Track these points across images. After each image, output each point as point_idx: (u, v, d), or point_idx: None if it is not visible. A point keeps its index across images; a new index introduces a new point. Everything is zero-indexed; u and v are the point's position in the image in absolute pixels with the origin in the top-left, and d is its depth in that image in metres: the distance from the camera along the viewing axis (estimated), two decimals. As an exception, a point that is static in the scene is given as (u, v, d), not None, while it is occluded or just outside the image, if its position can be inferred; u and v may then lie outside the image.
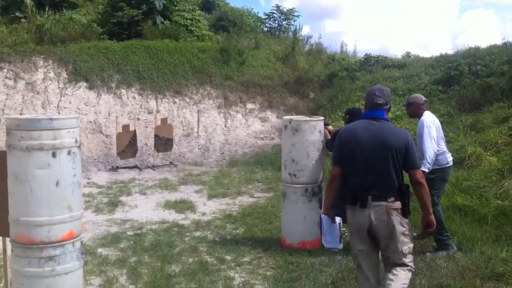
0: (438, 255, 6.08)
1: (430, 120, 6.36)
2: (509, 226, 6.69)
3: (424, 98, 6.62)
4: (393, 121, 12.39)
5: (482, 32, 42.74)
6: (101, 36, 16.80)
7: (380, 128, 4.19)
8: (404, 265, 4.09)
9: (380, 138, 4.13)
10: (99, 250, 6.78)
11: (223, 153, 14.68)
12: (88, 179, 11.65)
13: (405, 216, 4.11)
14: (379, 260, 4.32)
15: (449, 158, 6.49)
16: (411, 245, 4.15)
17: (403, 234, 4.08)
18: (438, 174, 6.29)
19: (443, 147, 6.46)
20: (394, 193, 4.09)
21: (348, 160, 4.22)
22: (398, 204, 4.09)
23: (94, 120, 14.26)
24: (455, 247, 6.25)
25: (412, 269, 4.14)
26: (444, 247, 6.23)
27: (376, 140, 4.13)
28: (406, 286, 4.04)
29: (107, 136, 14.00)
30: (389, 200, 4.07)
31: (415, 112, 6.53)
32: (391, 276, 4.05)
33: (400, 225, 4.07)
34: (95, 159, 13.30)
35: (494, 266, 5.58)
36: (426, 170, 5.89)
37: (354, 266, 5.72)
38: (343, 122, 6.79)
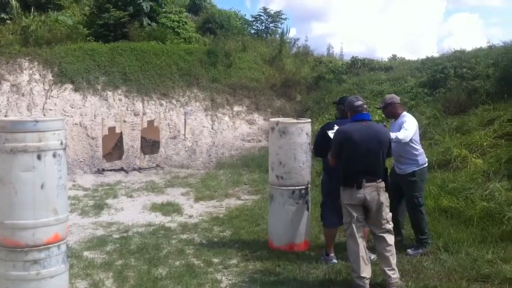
0: (418, 253, 6.20)
1: (412, 118, 6.45)
2: (495, 227, 6.74)
3: (398, 98, 6.71)
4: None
5: (467, 36, 43.18)
6: (87, 38, 16.69)
7: (371, 128, 5.46)
8: (387, 231, 5.40)
9: (374, 136, 5.38)
10: (85, 253, 6.73)
11: (210, 155, 14.65)
12: (74, 181, 11.56)
13: (386, 191, 5.44)
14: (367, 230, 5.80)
15: (425, 158, 6.60)
16: (390, 213, 5.49)
17: (386, 205, 5.43)
18: (418, 176, 6.41)
19: (420, 147, 6.53)
20: (380, 176, 5.40)
21: (346, 154, 5.37)
22: (383, 184, 5.42)
23: (80, 122, 14.16)
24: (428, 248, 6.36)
25: (392, 233, 5.46)
26: (424, 246, 6.34)
27: (370, 138, 5.34)
28: (393, 244, 5.40)
29: (93, 138, 13.91)
30: (377, 181, 5.37)
31: (393, 112, 6.58)
32: (382, 239, 5.37)
33: (385, 199, 5.41)
34: (80, 161, 13.21)
35: (480, 268, 5.62)
36: (393, 138, 5.99)
37: (339, 267, 5.77)
38: (337, 113, 6.75)
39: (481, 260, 5.82)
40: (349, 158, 5.36)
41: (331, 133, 5.90)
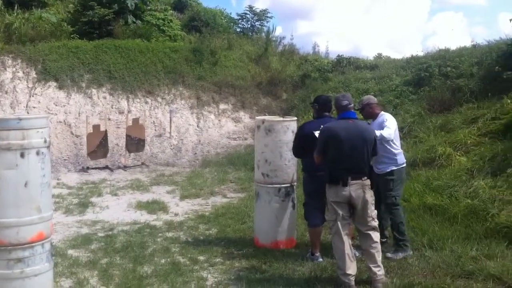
0: (398, 257, 6.09)
1: (391, 117, 6.48)
2: (479, 224, 6.80)
3: (375, 99, 6.74)
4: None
5: (452, 34, 43.50)
6: (71, 35, 16.54)
7: (357, 127, 5.49)
8: (373, 229, 5.45)
9: (359, 135, 5.41)
10: (70, 251, 6.68)
11: (196, 153, 14.62)
12: (58, 180, 11.48)
13: (371, 188, 5.47)
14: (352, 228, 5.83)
15: (404, 158, 6.58)
16: (375, 211, 5.55)
17: (371, 203, 5.45)
18: (396, 175, 6.35)
19: (399, 147, 6.53)
20: (365, 173, 5.43)
21: (332, 151, 5.40)
22: (368, 181, 5.44)
23: (64, 120, 14.04)
24: (411, 251, 6.27)
25: (377, 230, 5.52)
26: (403, 248, 6.23)
27: (356, 136, 5.38)
28: (378, 241, 5.46)
29: (77, 136, 13.81)
30: (363, 179, 5.40)
31: (371, 113, 6.57)
32: (368, 237, 5.41)
33: (371, 196, 5.44)
34: (65, 159, 13.11)
35: (464, 264, 5.67)
36: (378, 136, 5.99)
37: (325, 264, 5.78)
38: (313, 113, 6.76)
39: (465, 257, 5.87)
40: (335, 156, 5.38)
41: (317, 133, 5.91)
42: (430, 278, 5.44)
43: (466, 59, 13.75)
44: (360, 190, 5.36)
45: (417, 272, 5.64)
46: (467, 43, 16.17)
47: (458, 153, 9.29)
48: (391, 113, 7.78)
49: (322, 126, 5.92)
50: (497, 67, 11.82)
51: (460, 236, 6.55)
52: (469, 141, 9.49)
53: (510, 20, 11.51)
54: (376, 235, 5.46)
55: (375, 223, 5.49)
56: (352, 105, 5.69)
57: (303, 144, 6.23)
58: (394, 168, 6.34)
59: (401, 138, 6.67)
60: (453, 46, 15.83)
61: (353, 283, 5.28)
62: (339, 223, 5.38)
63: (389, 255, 6.15)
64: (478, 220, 6.92)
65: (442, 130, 10.76)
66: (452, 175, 8.47)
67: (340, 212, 5.39)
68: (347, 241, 5.39)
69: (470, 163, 8.66)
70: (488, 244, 6.18)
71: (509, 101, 10.05)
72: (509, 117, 9.39)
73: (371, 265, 5.37)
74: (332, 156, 5.42)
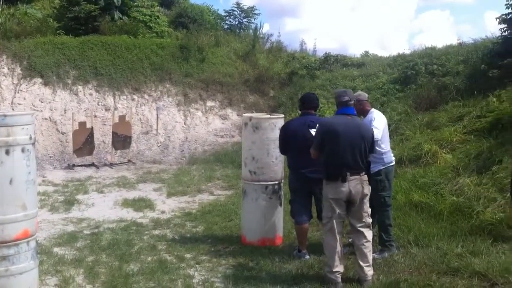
0: (383, 257, 6.08)
1: (380, 114, 6.44)
2: (464, 222, 6.86)
3: (367, 95, 6.71)
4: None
5: (438, 33, 43.79)
6: (57, 31, 16.36)
7: (355, 123, 5.53)
8: (367, 226, 5.46)
9: (357, 131, 5.43)
10: (55, 249, 6.63)
11: (183, 150, 14.58)
12: (44, 177, 11.39)
13: (369, 184, 5.47)
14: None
15: (392, 157, 6.52)
16: (370, 208, 5.57)
17: (368, 199, 5.48)
18: (384, 175, 6.29)
19: (388, 146, 6.51)
20: (363, 169, 5.41)
21: (329, 146, 5.38)
22: (366, 177, 5.44)
23: (50, 117, 13.92)
24: (396, 250, 6.28)
25: (371, 228, 5.56)
26: (388, 249, 6.24)
27: (354, 132, 5.38)
28: (371, 240, 5.50)
29: (63, 133, 13.70)
30: (361, 174, 5.39)
31: (361, 109, 6.47)
32: (362, 234, 5.41)
33: (368, 191, 5.46)
34: (50, 157, 13.01)
35: (450, 261, 5.70)
36: None
37: (312, 262, 5.79)
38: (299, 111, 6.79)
39: (451, 254, 5.91)
40: (333, 151, 5.36)
41: (313, 132, 5.94)
42: (416, 275, 5.47)
43: (452, 57, 13.85)
44: (360, 185, 5.36)
45: (403, 269, 5.67)
46: (454, 41, 16.28)
47: (444, 151, 9.36)
48: (379, 110, 7.81)
49: (310, 121, 6.09)
50: (483, 66, 11.92)
51: (446, 233, 6.59)
52: (454, 139, 9.57)
53: (496, 18, 11.62)
54: (369, 233, 5.49)
55: (370, 220, 5.52)
56: (353, 101, 5.68)
57: (287, 141, 6.28)
58: (381, 167, 6.26)
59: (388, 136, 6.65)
60: (439, 44, 15.94)
61: (340, 280, 5.31)
62: (334, 221, 5.37)
63: (375, 255, 6.07)
64: (464, 217, 6.99)
65: (428, 128, 10.83)
66: (438, 172, 8.54)
67: (337, 210, 5.36)
68: (340, 240, 5.39)
69: (456, 161, 8.72)
70: (473, 241, 6.22)
71: (494, 99, 10.15)
72: (494, 115, 9.47)
73: (363, 264, 5.37)
74: (330, 151, 5.39)
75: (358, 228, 5.44)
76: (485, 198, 7.28)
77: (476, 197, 7.35)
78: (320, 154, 5.53)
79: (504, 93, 10.11)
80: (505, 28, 11.64)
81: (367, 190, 5.44)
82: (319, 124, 5.71)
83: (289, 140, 6.26)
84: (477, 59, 12.90)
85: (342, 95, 5.63)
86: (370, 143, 5.52)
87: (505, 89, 10.22)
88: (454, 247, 6.10)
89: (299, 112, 6.69)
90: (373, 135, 5.64)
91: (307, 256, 6.19)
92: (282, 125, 6.67)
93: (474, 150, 8.74)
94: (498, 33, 12.21)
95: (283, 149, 6.44)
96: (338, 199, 5.35)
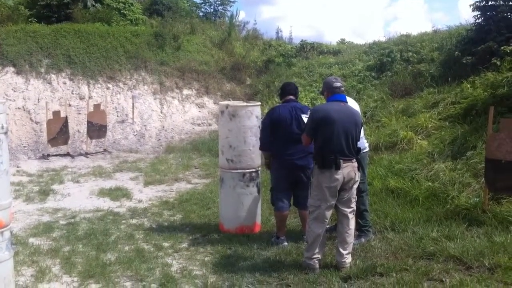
0: (359, 242, 6.09)
1: (353, 102, 6.44)
2: (439, 206, 6.95)
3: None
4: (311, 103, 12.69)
5: (413, 20, 44.12)
6: (29, 19, 16.07)
7: (349, 110, 5.49)
8: (353, 211, 5.50)
9: (350, 117, 5.40)
10: (31, 240, 6.54)
11: (160, 139, 14.48)
12: (18, 167, 11.22)
13: (358, 170, 5.50)
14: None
15: (366, 143, 6.52)
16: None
17: (357, 185, 5.53)
18: (358, 162, 6.33)
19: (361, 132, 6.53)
20: (354, 156, 5.41)
21: (323, 133, 5.31)
22: (356, 163, 5.44)
23: (23, 107, 13.68)
24: (372, 235, 6.33)
25: (354, 214, 5.58)
26: (365, 234, 6.28)
27: (347, 118, 5.35)
28: (353, 228, 5.55)
29: (37, 123, 13.48)
30: (353, 161, 5.39)
31: None
32: (346, 220, 5.44)
33: (358, 178, 5.49)
34: (24, 147, 12.80)
35: (426, 246, 5.77)
36: None
37: (290, 249, 5.81)
38: (279, 98, 6.78)
39: (427, 238, 5.98)
40: (328, 138, 5.30)
41: (305, 117, 5.95)
42: (392, 260, 5.52)
43: (427, 45, 14.00)
44: (352, 172, 5.36)
45: (380, 254, 5.73)
46: (428, 28, 16.47)
47: (419, 137, 9.47)
48: (354, 98, 7.85)
49: (299, 107, 6.21)
50: (456, 52, 12.06)
51: (421, 218, 6.67)
52: (430, 125, 9.67)
53: (470, 5, 11.73)
54: (353, 222, 5.51)
55: (355, 206, 5.55)
56: (343, 88, 5.68)
57: (274, 128, 6.24)
58: None
59: (364, 123, 6.68)
60: (414, 32, 16.10)
61: (317, 266, 5.35)
62: (325, 210, 5.36)
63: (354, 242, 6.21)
64: (439, 202, 7.08)
65: (403, 115, 10.94)
66: (414, 158, 8.63)
67: (330, 198, 5.34)
68: (324, 227, 5.43)
69: (431, 147, 8.83)
70: (448, 225, 6.31)
71: (468, 85, 10.29)
72: (468, 102, 9.59)
73: (343, 252, 5.39)
74: (323, 137, 5.33)
75: (347, 214, 5.44)
76: (460, 183, 7.38)
77: (451, 182, 7.45)
78: (313, 140, 5.48)
79: (478, 79, 10.24)
80: (478, 15, 11.78)
81: (358, 176, 5.46)
82: (314, 111, 5.64)
83: (277, 126, 6.23)
84: (451, 46, 13.06)
85: (334, 81, 5.61)
86: (360, 128, 5.54)
87: (478, 76, 10.36)
88: (429, 232, 6.17)
89: (280, 101, 6.67)
90: (362, 121, 5.65)
91: (286, 243, 6.21)
92: (267, 113, 6.62)
93: (449, 136, 8.85)
94: (472, 20, 12.38)
95: (266, 136, 6.35)
96: (332, 186, 5.31)
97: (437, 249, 5.63)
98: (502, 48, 10.12)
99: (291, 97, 6.45)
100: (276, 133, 6.26)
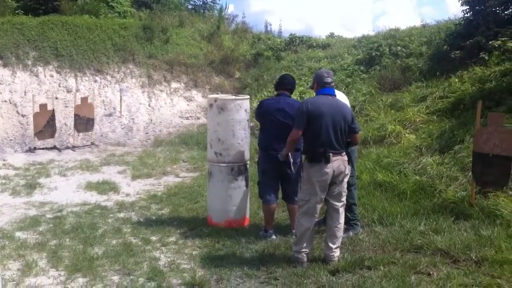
0: (348, 236, 6.09)
1: (342, 95, 6.43)
2: (427, 200, 6.98)
3: None
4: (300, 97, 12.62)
5: (402, 14, 44.23)
6: (16, 11, 15.94)
7: (337, 103, 5.49)
8: (343, 206, 5.50)
9: (339, 111, 5.38)
10: (17, 234, 6.48)
11: (148, 133, 14.41)
12: (4, 160, 11.11)
13: (348, 163, 5.48)
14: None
15: None
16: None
17: (347, 179, 5.51)
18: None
19: None
20: (344, 149, 5.41)
21: (313, 127, 5.30)
22: (346, 157, 5.43)
23: (9, 99, 13.54)
24: (360, 228, 6.35)
25: (344, 205, 5.56)
26: (353, 227, 6.28)
27: (336, 112, 5.35)
28: (343, 223, 5.55)
29: (23, 116, 13.35)
30: (342, 155, 5.38)
31: None
32: (336, 215, 5.44)
33: (348, 171, 5.47)
34: (11, 140, 12.67)
35: (413, 239, 5.80)
36: None
37: (278, 242, 5.81)
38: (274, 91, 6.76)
39: (414, 232, 6.00)
40: (317, 132, 5.29)
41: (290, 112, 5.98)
42: (380, 253, 5.54)
43: (416, 39, 14.04)
44: (342, 165, 5.35)
45: (368, 247, 5.74)
46: (417, 23, 16.51)
47: (408, 131, 9.50)
48: (343, 92, 7.85)
49: (285, 102, 6.20)
50: (445, 47, 12.11)
51: (409, 211, 6.69)
52: (418, 119, 9.71)
53: (459, 0, 11.76)
54: (342, 216, 5.51)
55: (344, 197, 5.55)
56: (334, 83, 5.67)
57: (260, 120, 6.38)
58: None
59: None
60: (403, 26, 16.15)
61: (305, 259, 5.36)
62: (314, 204, 5.37)
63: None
64: (426, 196, 7.11)
65: (392, 109, 10.96)
66: (402, 152, 8.66)
67: (320, 193, 5.34)
68: (314, 221, 5.43)
69: (419, 141, 8.86)
70: (435, 219, 6.33)
71: (456, 80, 10.33)
72: (456, 96, 9.64)
73: (332, 246, 5.40)
74: (313, 131, 5.33)
75: (338, 208, 5.44)
76: (447, 177, 7.42)
77: (438, 176, 7.48)
78: (303, 134, 5.47)
79: (466, 74, 10.29)
80: (467, 10, 11.82)
81: (348, 170, 5.45)
82: (302, 103, 5.57)
83: (263, 119, 6.29)
84: (439, 40, 13.10)
85: (325, 76, 5.59)
86: (350, 122, 5.46)
87: (467, 70, 10.41)
88: (417, 225, 6.19)
89: (274, 92, 6.70)
90: (353, 115, 5.61)
91: (274, 236, 6.21)
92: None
93: (437, 130, 8.88)
94: (460, 15, 12.43)
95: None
96: (322, 180, 5.30)
97: (424, 242, 5.65)
98: (490, 42, 10.17)
99: (285, 91, 6.44)
100: (263, 126, 6.27)
